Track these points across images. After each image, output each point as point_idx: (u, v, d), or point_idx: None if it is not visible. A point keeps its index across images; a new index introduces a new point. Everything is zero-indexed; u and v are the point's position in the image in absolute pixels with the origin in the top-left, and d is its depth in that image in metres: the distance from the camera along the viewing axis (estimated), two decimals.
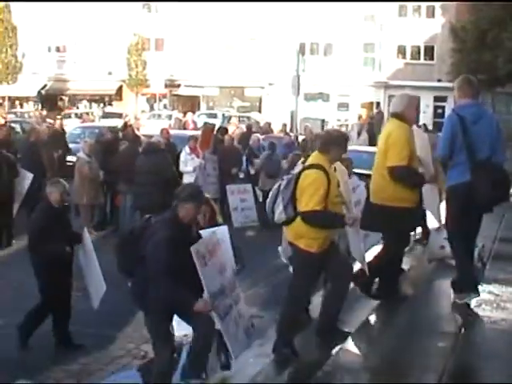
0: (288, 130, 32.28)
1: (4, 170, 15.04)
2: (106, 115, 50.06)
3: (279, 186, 7.86)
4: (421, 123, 24.72)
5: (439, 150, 8.39)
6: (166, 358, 7.11)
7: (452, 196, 8.41)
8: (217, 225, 8.22)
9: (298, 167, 8.30)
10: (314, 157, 7.94)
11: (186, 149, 17.41)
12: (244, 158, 19.06)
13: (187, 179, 16.12)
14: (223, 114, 49.77)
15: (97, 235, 15.54)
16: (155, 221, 7.27)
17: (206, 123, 23.90)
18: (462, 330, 7.86)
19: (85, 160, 15.73)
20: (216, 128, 20.87)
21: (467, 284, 8.41)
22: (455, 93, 8.61)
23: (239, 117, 47.31)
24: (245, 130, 25.21)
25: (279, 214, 7.71)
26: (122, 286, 11.65)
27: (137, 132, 21.11)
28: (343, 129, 44.42)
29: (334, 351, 7.36)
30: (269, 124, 30.80)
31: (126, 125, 25.37)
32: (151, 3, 59.37)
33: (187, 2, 55.07)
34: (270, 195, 7.96)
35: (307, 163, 7.95)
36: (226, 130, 20.99)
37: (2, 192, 14.78)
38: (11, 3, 55.38)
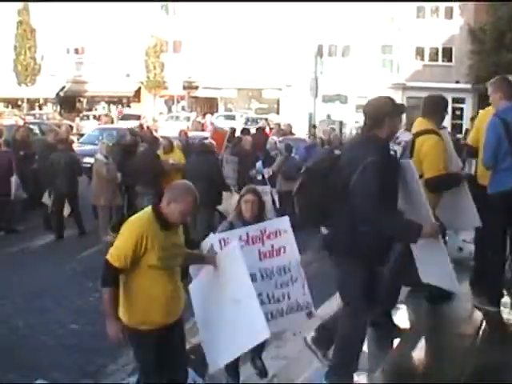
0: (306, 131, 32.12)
1: (61, 165, 15.90)
2: (124, 117, 50.23)
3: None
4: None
5: (485, 156, 7.97)
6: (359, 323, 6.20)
7: (496, 203, 7.97)
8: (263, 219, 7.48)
9: (406, 135, 7.91)
10: (421, 122, 7.80)
11: None
12: (260, 161, 18.97)
13: None
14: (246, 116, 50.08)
15: (114, 237, 15.57)
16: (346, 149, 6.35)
17: (216, 127, 24.03)
18: (481, 331, 7.83)
19: (102, 161, 15.76)
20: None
21: (493, 296, 8.31)
22: (492, 93, 8.15)
23: (252, 119, 47.53)
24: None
25: None
26: None
27: (155, 134, 21.14)
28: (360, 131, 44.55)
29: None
30: (290, 126, 30.62)
31: (141, 127, 25.38)
32: (169, 5, 59.44)
33: (205, 1, 55.18)
34: None
35: (417, 129, 7.77)
36: (247, 131, 21.00)
37: (61, 188, 16.00)
38: (30, 5, 55.65)
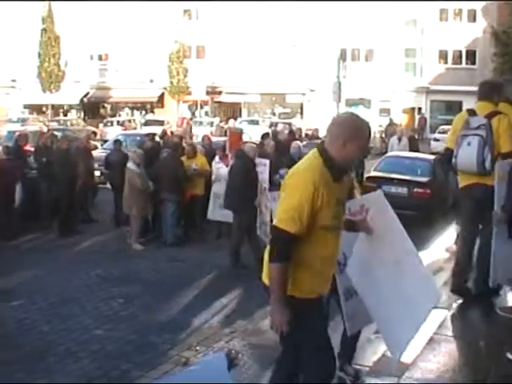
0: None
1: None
2: (147, 122, 50.36)
3: (481, 136, 7.95)
4: None
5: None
6: None
7: None
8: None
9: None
10: (485, 106, 8.21)
11: (216, 158, 16.94)
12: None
13: (216, 188, 15.84)
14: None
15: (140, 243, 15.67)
16: None
17: (231, 129, 24.01)
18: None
19: (136, 171, 15.63)
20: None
21: None
22: None
23: (276, 124, 47.52)
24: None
25: (489, 162, 7.85)
26: (169, 294, 11.76)
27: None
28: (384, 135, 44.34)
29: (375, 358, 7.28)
30: (316, 130, 30.39)
31: (165, 132, 25.38)
32: (192, 10, 59.61)
33: (229, 0, 55.33)
34: (472, 146, 8.00)
35: (483, 111, 8.14)
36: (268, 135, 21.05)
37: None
38: (54, 13, 55.91)
